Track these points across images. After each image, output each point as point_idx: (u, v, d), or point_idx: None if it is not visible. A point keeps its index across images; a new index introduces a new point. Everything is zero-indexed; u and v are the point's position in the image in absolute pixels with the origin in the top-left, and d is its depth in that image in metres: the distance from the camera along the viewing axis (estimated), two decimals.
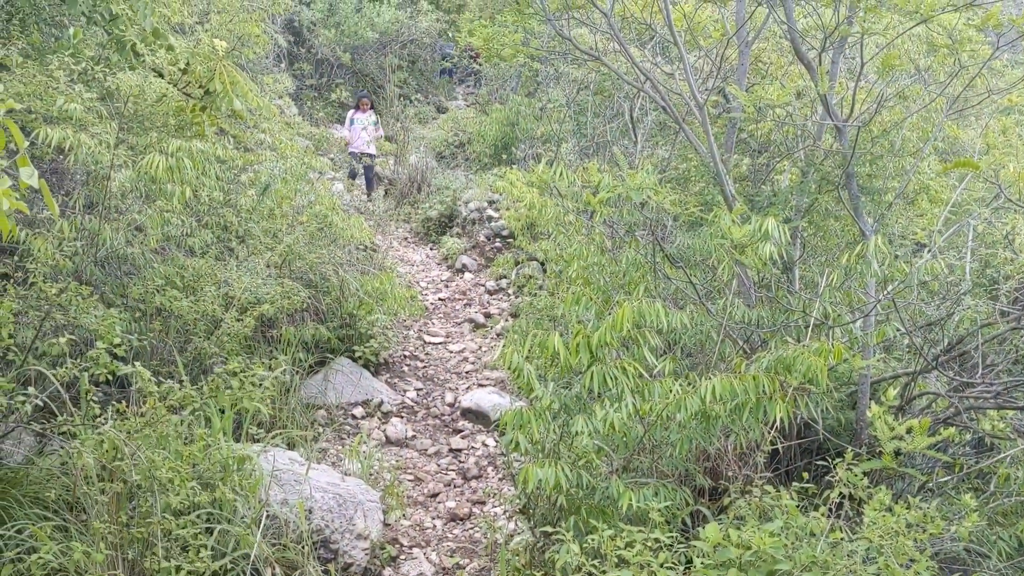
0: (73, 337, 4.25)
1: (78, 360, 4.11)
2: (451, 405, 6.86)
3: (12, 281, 4.56)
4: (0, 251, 5.19)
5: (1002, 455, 4.23)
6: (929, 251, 5.04)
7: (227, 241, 6.48)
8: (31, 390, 3.97)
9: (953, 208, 5.82)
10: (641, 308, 3.78)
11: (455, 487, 5.63)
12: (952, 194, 5.69)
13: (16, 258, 4.91)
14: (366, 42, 16.16)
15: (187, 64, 5.34)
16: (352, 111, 13.09)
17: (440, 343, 8.11)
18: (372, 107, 13.09)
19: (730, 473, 4.36)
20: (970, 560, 4.05)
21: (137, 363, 4.16)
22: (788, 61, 7.29)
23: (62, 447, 4.09)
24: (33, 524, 3.60)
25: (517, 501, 4.36)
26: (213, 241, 6.16)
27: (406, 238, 11.37)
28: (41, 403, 4.04)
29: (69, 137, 4.85)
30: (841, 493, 3.66)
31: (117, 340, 4.22)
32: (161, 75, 5.89)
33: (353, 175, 13.17)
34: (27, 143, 2.28)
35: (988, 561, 3.97)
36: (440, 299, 9.24)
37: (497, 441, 6.22)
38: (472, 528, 5.10)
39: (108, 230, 5.15)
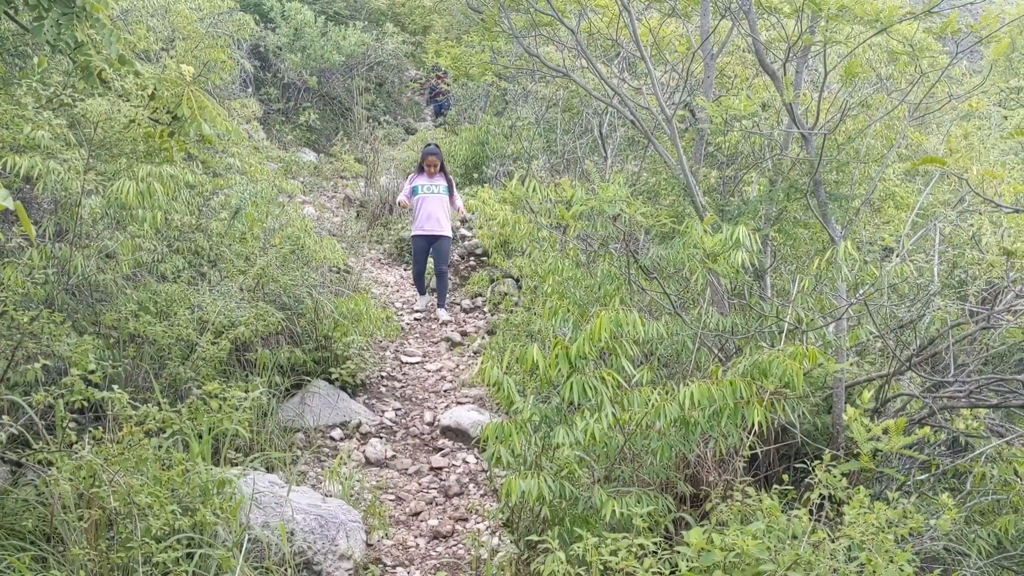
0: (47, 362, 4.20)
1: (52, 388, 4.07)
2: (430, 424, 6.84)
3: None
4: None
5: (977, 452, 4.29)
6: (897, 255, 5.12)
7: (199, 266, 6.45)
8: (5, 419, 3.92)
9: (919, 212, 5.92)
10: (618, 318, 3.81)
11: (437, 505, 5.61)
12: (918, 198, 5.79)
13: None
14: (333, 65, 16.16)
15: (154, 90, 5.33)
16: (413, 174, 9.39)
17: (417, 363, 8.10)
18: (442, 168, 9.32)
19: (711, 479, 4.38)
20: (950, 559, 4.09)
21: (115, 386, 4.13)
22: (753, 74, 7.40)
23: (38, 476, 4.03)
24: (10, 555, 3.55)
25: (500, 515, 4.36)
26: (185, 266, 6.12)
27: (379, 259, 11.35)
28: (16, 432, 3.99)
29: (38, 165, 4.82)
30: (821, 495, 3.70)
31: (92, 367, 4.18)
32: (126, 99, 5.87)
33: (423, 291, 9.49)
34: None
35: (968, 559, 4.01)
36: (416, 319, 9.22)
37: (478, 458, 6.21)
38: (455, 545, 5.08)
39: (79, 257, 5.11)
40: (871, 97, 6.30)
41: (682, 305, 5.27)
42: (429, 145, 9.61)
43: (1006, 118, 9.82)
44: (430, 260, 9.37)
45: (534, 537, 3.75)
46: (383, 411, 7.01)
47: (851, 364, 5.00)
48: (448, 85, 16.57)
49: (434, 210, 9.07)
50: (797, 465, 4.62)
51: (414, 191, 9.17)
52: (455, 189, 9.36)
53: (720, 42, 6.47)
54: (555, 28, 7.41)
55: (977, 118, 8.40)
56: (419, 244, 9.21)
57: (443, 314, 9.19)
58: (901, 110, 5.85)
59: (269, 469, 5.34)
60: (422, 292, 9.47)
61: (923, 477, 4.54)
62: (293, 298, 6.92)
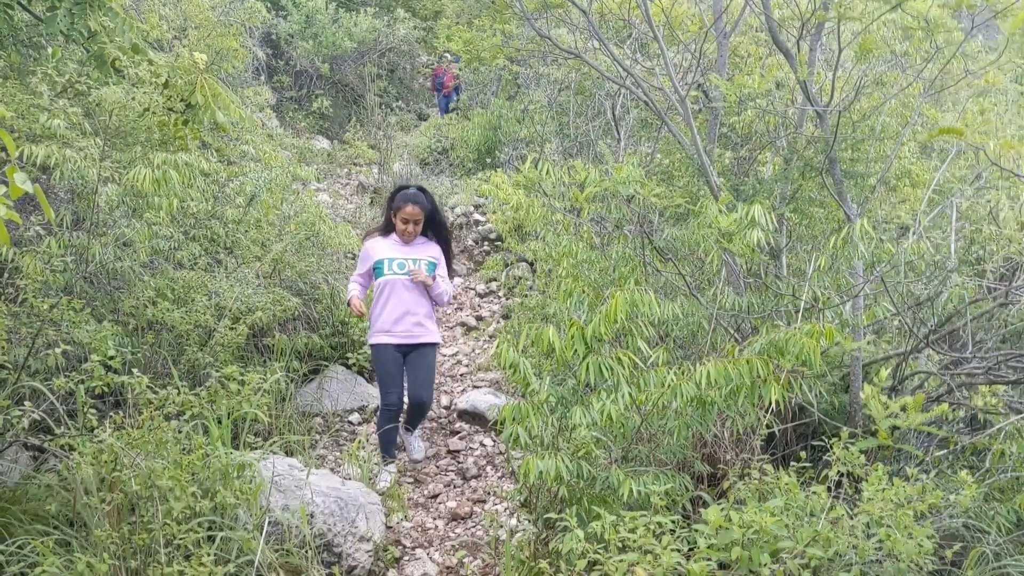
0: (68, 348, 4.24)
1: (73, 374, 4.11)
2: (447, 407, 6.87)
3: (3, 298, 4.55)
4: None
5: (995, 428, 4.28)
6: (914, 232, 5.09)
7: (215, 253, 6.48)
8: (27, 405, 3.96)
9: (936, 189, 5.88)
10: (634, 298, 3.81)
11: (455, 487, 5.64)
12: (934, 175, 5.75)
13: (5, 276, 4.90)
14: (344, 52, 16.17)
15: (168, 78, 5.35)
16: (374, 237, 5.62)
17: None
18: (432, 223, 5.59)
19: (728, 458, 4.39)
20: (969, 536, 4.08)
21: (135, 370, 4.17)
22: (766, 52, 7.36)
23: (61, 461, 4.08)
24: (34, 539, 3.59)
25: (518, 496, 4.38)
26: (201, 253, 6.16)
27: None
28: (38, 418, 4.03)
29: (54, 154, 4.85)
30: (839, 472, 3.70)
31: (111, 353, 4.22)
32: (140, 87, 5.90)
33: (388, 446, 5.49)
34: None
35: (987, 536, 4.00)
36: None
37: (494, 441, 6.24)
38: (474, 526, 5.11)
39: (97, 245, 5.14)
40: (886, 74, 6.26)
41: (697, 286, 5.26)
42: (407, 188, 5.59)
43: (1023, 93, 9.72)
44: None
45: (552, 516, 3.76)
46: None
47: (868, 342, 4.99)
48: (460, 70, 16.44)
49: (407, 302, 5.42)
50: (815, 443, 4.61)
51: (376, 271, 5.47)
52: (451, 262, 5.73)
53: (733, 21, 6.43)
54: (567, 10, 7.37)
55: (993, 94, 8.32)
56: (385, 357, 5.43)
57: (417, 446, 5.86)
58: (916, 87, 5.81)
59: (288, 453, 5.38)
60: (390, 452, 5.50)
61: (941, 454, 4.52)
62: (309, 284, 6.96)
